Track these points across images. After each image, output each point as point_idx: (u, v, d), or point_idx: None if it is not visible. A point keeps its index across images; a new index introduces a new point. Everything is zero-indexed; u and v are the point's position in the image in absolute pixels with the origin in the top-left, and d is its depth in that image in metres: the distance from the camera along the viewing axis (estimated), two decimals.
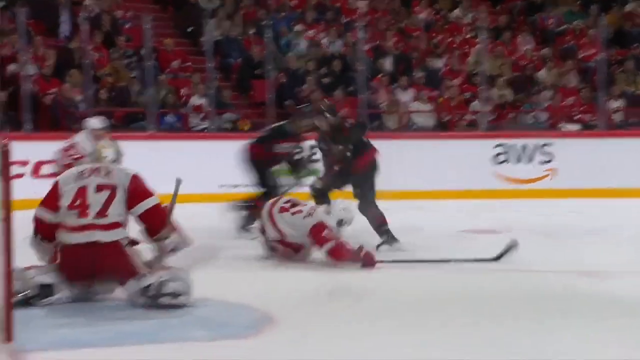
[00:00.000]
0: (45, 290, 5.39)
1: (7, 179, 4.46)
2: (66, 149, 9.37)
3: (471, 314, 5.32)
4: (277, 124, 9.24)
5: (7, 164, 4.45)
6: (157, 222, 5.49)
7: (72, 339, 4.72)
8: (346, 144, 7.88)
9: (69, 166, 8.00)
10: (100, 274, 5.41)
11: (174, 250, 5.62)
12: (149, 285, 5.29)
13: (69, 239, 5.38)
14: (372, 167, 7.94)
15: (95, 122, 9.69)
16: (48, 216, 5.44)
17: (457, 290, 6.13)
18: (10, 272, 4.45)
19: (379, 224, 7.69)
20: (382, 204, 8.00)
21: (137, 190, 5.44)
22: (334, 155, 7.95)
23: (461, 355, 4.39)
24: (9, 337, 4.43)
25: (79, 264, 5.37)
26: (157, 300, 5.28)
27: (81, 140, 9.31)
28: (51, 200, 5.46)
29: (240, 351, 4.56)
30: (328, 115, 8.16)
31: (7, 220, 4.42)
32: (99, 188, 5.40)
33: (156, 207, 5.48)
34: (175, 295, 5.30)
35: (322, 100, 10.46)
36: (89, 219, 5.36)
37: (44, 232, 5.47)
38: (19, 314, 4.59)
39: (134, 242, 5.51)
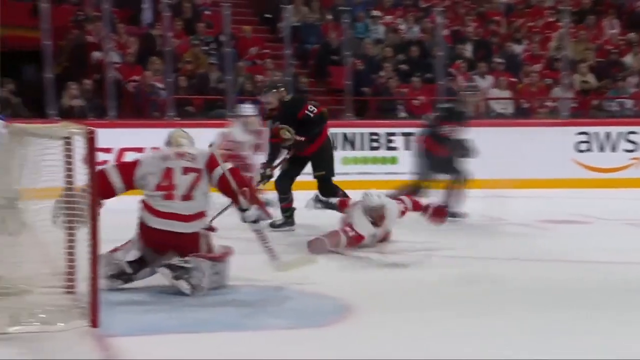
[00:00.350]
0: (133, 266, 5.58)
1: (93, 165, 4.57)
2: (224, 135, 9.35)
3: (553, 305, 5.32)
4: (445, 105, 9.45)
5: (93, 151, 4.55)
6: (230, 189, 5.55)
7: (156, 325, 4.84)
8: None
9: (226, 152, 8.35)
10: (173, 255, 5.52)
11: (255, 222, 5.66)
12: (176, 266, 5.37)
13: (150, 221, 5.49)
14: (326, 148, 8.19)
15: (246, 109, 9.69)
16: (117, 181, 5.49)
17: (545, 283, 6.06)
18: (97, 259, 4.58)
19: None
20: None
21: (212, 164, 5.54)
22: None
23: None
24: (95, 323, 4.58)
25: (157, 246, 5.54)
26: (173, 280, 5.36)
27: (234, 128, 9.40)
28: (127, 170, 5.55)
29: (318, 340, 4.61)
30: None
31: (93, 205, 4.57)
32: (186, 171, 5.50)
33: (229, 173, 5.54)
34: (188, 284, 5.34)
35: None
36: (175, 202, 5.45)
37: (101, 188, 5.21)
38: (104, 301, 4.71)
39: (210, 229, 5.64)
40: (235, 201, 5.61)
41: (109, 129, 10.71)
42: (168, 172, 5.51)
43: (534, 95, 13.88)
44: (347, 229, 7.22)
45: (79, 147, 4.69)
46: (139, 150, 11.21)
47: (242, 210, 5.58)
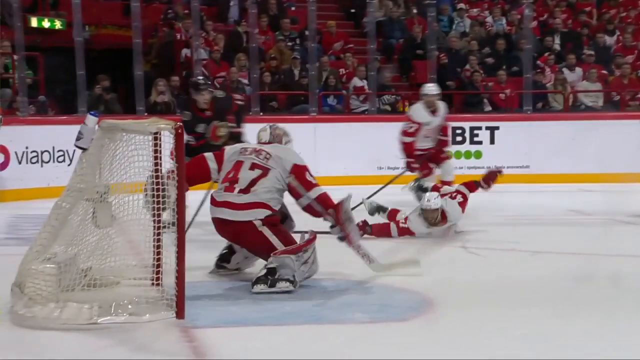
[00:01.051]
0: (224, 257, 5.83)
1: (181, 159, 4.71)
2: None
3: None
4: None
5: (181, 145, 4.69)
6: (318, 213, 5.65)
7: (239, 317, 4.95)
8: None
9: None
10: (242, 246, 5.69)
11: (341, 239, 5.69)
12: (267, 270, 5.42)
13: (211, 211, 5.66)
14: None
15: (430, 88, 9.67)
16: (212, 164, 5.75)
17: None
18: (183, 252, 4.67)
19: None
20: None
21: (301, 180, 5.61)
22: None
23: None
24: (180, 314, 4.72)
25: (223, 235, 5.69)
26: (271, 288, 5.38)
27: (416, 108, 9.54)
28: (219, 156, 5.77)
29: (398, 333, 4.64)
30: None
31: (180, 199, 4.72)
32: (253, 166, 5.59)
33: (319, 199, 5.62)
34: (286, 282, 5.38)
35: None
36: (233, 195, 5.54)
37: (191, 171, 5.56)
38: (190, 293, 4.84)
39: (274, 221, 5.58)
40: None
41: None
42: (237, 165, 5.64)
43: (625, 87, 13.58)
44: (401, 221, 7.53)
45: (167, 142, 4.80)
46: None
47: (331, 227, 5.68)
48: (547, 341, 4.42)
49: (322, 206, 5.60)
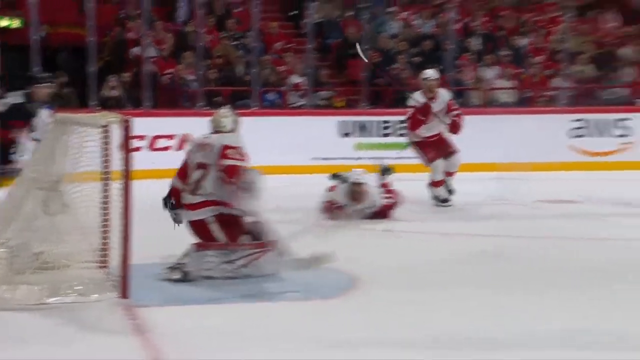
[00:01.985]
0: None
1: (127, 151, 4.72)
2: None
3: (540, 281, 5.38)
4: None
5: (128, 138, 4.70)
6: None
7: (181, 297, 4.99)
8: None
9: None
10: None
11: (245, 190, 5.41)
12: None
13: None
14: None
15: (428, 72, 9.10)
16: (179, 185, 5.60)
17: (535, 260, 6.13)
18: (128, 235, 4.73)
19: None
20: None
21: (224, 157, 5.36)
22: None
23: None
24: (125, 294, 4.78)
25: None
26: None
27: (415, 94, 9.03)
28: (182, 172, 5.60)
29: (328, 309, 4.75)
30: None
31: (127, 188, 4.73)
32: (198, 166, 5.49)
33: (226, 169, 5.33)
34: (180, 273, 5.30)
35: None
36: (188, 196, 5.48)
37: (175, 198, 5.58)
38: (136, 275, 4.84)
39: (226, 218, 5.42)
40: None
41: (144, 118, 10.65)
42: (189, 165, 5.56)
43: (535, 85, 13.83)
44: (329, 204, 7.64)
45: (116, 134, 4.81)
46: (170, 137, 11.47)
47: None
48: (466, 315, 4.55)
49: (226, 175, 5.33)
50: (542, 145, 11.85)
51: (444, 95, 8.90)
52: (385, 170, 8.45)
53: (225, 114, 5.68)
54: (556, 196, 9.20)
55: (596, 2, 15.69)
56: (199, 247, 5.39)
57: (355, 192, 7.63)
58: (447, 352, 3.96)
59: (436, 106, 8.74)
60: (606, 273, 5.65)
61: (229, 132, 5.55)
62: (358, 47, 10.08)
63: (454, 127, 8.79)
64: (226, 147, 5.38)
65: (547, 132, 12.12)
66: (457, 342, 4.09)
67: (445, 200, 8.63)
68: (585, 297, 4.97)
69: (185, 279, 5.30)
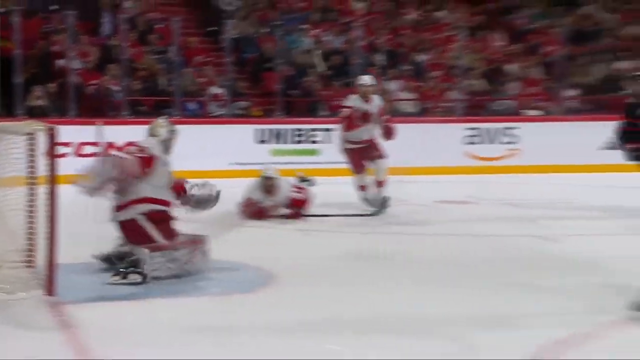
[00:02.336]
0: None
1: (53, 157, 4.62)
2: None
3: (448, 275, 5.48)
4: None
5: (53, 145, 4.60)
6: None
7: (103, 295, 4.89)
8: None
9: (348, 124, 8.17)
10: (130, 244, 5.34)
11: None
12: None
13: None
14: None
15: (364, 79, 8.70)
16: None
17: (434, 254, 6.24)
18: (55, 235, 4.60)
19: None
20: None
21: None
22: None
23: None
24: (51, 292, 4.65)
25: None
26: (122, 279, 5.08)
27: (352, 98, 8.52)
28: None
29: (246, 303, 4.72)
30: None
31: (53, 192, 4.62)
32: None
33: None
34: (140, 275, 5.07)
35: None
36: (120, 197, 5.31)
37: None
38: (60, 275, 4.72)
39: (156, 215, 5.27)
40: None
41: (70, 126, 10.45)
42: None
43: (433, 97, 14.00)
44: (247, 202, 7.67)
45: (42, 141, 4.72)
46: (96, 144, 11.20)
47: None
48: (370, 305, 4.62)
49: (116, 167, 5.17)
50: (440, 151, 12.05)
51: (377, 100, 8.59)
52: (304, 181, 8.42)
53: (162, 123, 5.59)
54: (452, 197, 9.34)
55: (485, 24, 16.09)
56: (151, 249, 5.15)
57: (268, 185, 7.67)
58: (355, 338, 4.02)
59: (370, 108, 8.41)
60: (492, 265, 5.81)
61: (163, 139, 5.41)
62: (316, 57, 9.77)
63: (388, 133, 8.46)
64: (132, 144, 5.31)
65: (443, 139, 12.32)
66: (364, 329, 4.15)
67: (382, 205, 8.18)
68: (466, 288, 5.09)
69: (144, 281, 5.07)
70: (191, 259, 5.28)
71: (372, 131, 8.40)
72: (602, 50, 15.07)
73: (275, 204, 7.80)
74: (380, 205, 8.19)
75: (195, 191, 5.26)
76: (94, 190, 5.13)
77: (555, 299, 4.78)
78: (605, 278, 5.28)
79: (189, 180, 5.53)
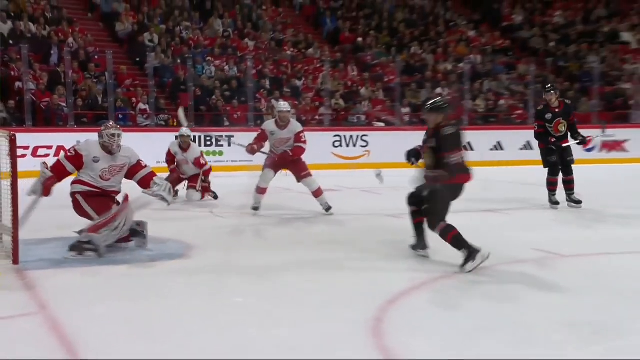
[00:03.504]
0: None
1: (14, 158, 4.50)
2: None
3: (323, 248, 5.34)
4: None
5: (14, 148, 4.49)
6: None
7: (61, 263, 4.69)
8: None
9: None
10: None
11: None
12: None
13: None
14: None
15: (281, 104, 7.17)
16: None
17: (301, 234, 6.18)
18: (17, 217, 4.45)
19: None
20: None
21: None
22: None
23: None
24: (15, 261, 4.51)
25: None
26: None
27: (268, 121, 7.24)
28: None
29: (175, 266, 4.61)
30: None
31: (15, 184, 4.50)
32: None
33: None
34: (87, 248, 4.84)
35: None
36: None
37: None
38: (23, 248, 4.56)
39: (85, 194, 4.98)
40: None
41: (27, 134, 10.23)
42: None
43: (308, 112, 14.11)
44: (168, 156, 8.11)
45: (4, 146, 4.58)
46: (49, 147, 10.79)
47: None
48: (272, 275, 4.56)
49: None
50: (313, 152, 12.04)
51: (295, 125, 7.02)
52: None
53: (105, 129, 5.31)
54: (324, 187, 9.38)
55: (342, 58, 16.38)
56: (93, 229, 4.88)
57: (183, 142, 8.07)
58: (253, 292, 4.02)
59: (284, 134, 6.91)
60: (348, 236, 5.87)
61: (100, 142, 5.12)
62: (181, 112, 8.76)
63: (295, 151, 6.90)
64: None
65: (316, 143, 12.30)
66: (260, 286, 4.16)
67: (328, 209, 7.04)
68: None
69: (99, 256, 4.82)
70: (126, 222, 5.02)
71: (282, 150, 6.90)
72: (426, 80, 15.65)
73: (186, 159, 8.03)
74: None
75: (156, 188, 5.07)
76: (36, 192, 4.84)
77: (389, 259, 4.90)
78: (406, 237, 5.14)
79: (157, 177, 5.21)
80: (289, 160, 6.93)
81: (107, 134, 5.08)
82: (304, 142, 7.00)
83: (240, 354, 2.97)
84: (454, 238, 4.47)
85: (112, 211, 4.94)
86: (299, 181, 7.05)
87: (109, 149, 5.04)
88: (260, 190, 6.95)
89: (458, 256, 4.46)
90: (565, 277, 4.32)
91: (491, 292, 3.97)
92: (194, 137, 9.18)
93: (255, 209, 6.97)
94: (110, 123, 5.26)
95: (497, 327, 3.32)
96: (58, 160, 5.05)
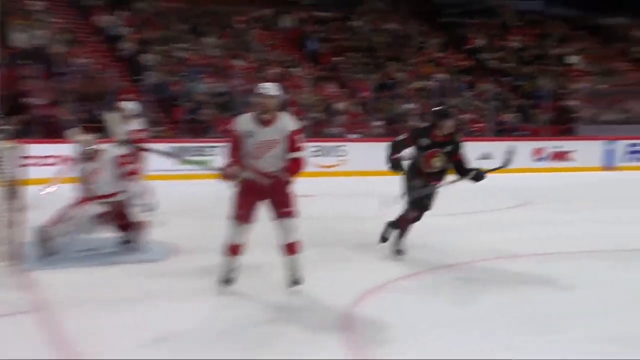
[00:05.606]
0: None
1: (24, 165, 4.53)
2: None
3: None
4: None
5: (24, 157, 4.52)
6: None
7: (57, 264, 4.64)
8: None
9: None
10: None
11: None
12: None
13: None
14: None
15: (265, 87, 4.35)
16: None
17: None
18: (15, 213, 4.43)
19: None
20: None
21: None
22: None
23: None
24: (15, 261, 4.50)
25: None
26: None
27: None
28: None
29: (158, 268, 4.59)
30: None
31: (21, 190, 4.51)
32: None
33: None
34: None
35: None
36: None
37: None
38: (25, 248, 4.56)
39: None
40: None
41: (36, 144, 9.89)
42: None
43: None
44: None
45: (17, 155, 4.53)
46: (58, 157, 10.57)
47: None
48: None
49: None
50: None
51: (285, 122, 4.73)
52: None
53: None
54: (304, 193, 9.29)
55: (323, 76, 16.25)
56: (49, 228, 4.78)
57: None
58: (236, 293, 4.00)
59: (269, 134, 4.61)
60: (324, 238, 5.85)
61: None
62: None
63: (290, 167, 4.69)
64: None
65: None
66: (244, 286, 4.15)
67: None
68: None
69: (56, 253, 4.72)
70: (84, 221, 4.84)
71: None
72: (397, 96, 15.68)
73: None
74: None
75: (145, 197, 4.98)
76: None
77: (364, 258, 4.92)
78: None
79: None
80: (277, 187, 4.23)
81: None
82: (301, 149, 4.32)
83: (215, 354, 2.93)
84: (407, 228, 4.63)
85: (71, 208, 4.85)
86: (275, 220, 4.30)
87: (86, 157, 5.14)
88: (232, 250, 4.20)
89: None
90: (517, 276, 4.35)
91: (457, 289, 3.99)
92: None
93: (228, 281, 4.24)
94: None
95: (457, 322, 3.32)
96: None
